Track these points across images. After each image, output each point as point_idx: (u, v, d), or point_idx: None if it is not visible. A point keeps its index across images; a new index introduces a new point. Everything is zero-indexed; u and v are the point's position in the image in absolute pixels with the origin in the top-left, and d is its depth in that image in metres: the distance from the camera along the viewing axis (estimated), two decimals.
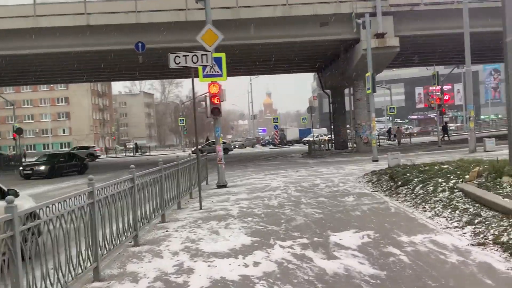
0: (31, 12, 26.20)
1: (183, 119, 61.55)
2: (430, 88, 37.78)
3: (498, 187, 8.29)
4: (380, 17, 27.00)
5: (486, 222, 6.84)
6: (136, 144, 67.04)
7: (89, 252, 5.67)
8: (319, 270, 5.50)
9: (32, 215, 4.67)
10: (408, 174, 12.04)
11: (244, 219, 9.05)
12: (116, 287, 5.46)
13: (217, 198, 12.62)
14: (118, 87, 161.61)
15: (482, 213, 7.30)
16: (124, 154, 63.42)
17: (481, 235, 6.42)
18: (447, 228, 7.16)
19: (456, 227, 7.12)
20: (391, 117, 69.36)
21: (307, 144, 41.88)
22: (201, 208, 10.76)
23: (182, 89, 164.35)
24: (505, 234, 6.14)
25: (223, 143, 20.79)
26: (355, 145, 33.52)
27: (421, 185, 10.43)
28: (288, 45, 30.41)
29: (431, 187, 9.88)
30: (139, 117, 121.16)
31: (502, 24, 10.35)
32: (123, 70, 38.60)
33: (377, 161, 21.35)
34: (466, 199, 8.34)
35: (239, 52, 29.79)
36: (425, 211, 8.58)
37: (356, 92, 31.27)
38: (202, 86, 21.76)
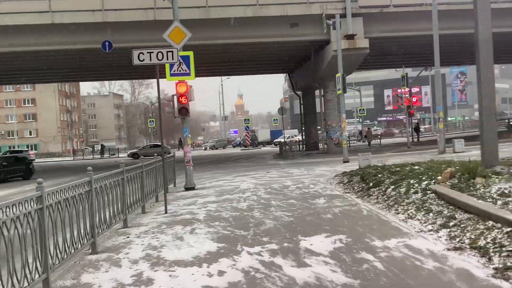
0: None
1: (152, 120, 60.68)
2: (399, 90, 38.05)
3: (472, 188, 8.09)
4: (350, 18, 26.95)
5: (462, 225, 6.58)
6: (102, 145, 65.30)
7: (38, 263, 5.17)
8: (288, 280, 5.12)
9: None
10: (379, 175, 11.81)
11: (211, 224, 8.63)
12: None
13: (184, 201, 12.15)
14: (87, 88, 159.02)
15: (456, 216, 7.05)
16: (92, 157, 62.01)
17: (457, 239, 6.15)
18: (421, 231, 6.87)
19: (430, 230, 6.84)
20: (361, 119, 69.85)
21: (278, 145, 41.63)
22: (166, 212, 10.29)
23: (152, 90, 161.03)
24: (482, 238, 5.88)
25: (158, 146, 20.17)
26: (326, 146, 33.41)
27: (393, 187, 10.17)
28: (259, 46, 30.12)
29: (403, 189, 9.63)
30: (108, 118, 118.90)
31: (474, 24, 10.23)
32: (91, 70, 37.70)
33: (347, 162, 21.19)
34: (439, 201, 8.10)
35: (209, 52, 29.36)
36: (398, 213, 8.31)
37: (327, 93, 31.16)
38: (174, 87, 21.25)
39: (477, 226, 6.33)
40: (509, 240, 5.55)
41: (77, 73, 39.41)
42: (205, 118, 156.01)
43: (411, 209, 8.22)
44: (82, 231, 6.59)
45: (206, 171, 22.46)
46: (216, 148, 70.40)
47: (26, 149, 64.95)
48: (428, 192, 8.79)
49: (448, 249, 5.81)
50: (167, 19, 19.41)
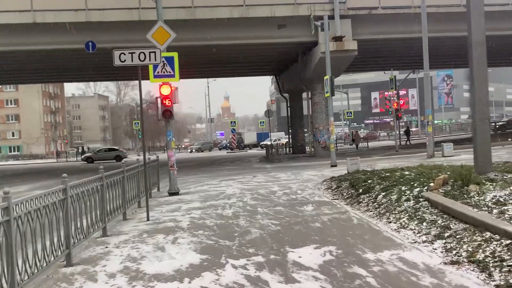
0: None
1: (137, 122, 59.94)
2: (386, 93, 37.93)
3: (466, 196, 7.80)
4: (338, 20, 26.66)
5: (458, 236, 6.27)
6: (82, 148, 64.14)
7: (4, 280, 4.74)
8: None
9: None
10: (369, 181, 11.49)
11: (194, 232, 8.23)
12: None
13: (167, 207, 11.73)
14: (71, 89, 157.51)
15: (451, 226, 6.74)
16: (75, 159, 61.01)
17: (454, 252, 5.83)
18: (415, 242, 6.55)
19: (425, 241, 6.51)
20: (348, 122, 69.78)
21: (264, 148, 41.27)
22: (148, 219, 9.85)
23: (138, 91, 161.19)
24: (480, 250, 5.57)
25: (114, 150, 19.56)
26: (313, 149, 33.12)
27: (383, 193, 9.85)
28: (246, 47, 29.72)
29: (395, 196, 9.31)
30: (93, 120, 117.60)
31: (467, 27, 9.97)
32: (76, 71, 36.99)
33: (335, 166, 20.89)
34: (432, 209, 7.80)
35: (196, 54, 28.91)
36: (390, 222, 7.98)
37: (314, 96, 30.85)
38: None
39: (474, 237, 6.02)
40: (509, 253, 5.25)
41: (61, 73, 38.65)
42: (191, 120, 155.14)
43: (403, 217, 7.90)
44: (55, 242, 6.15)
45: (191, 175, 22.00)
46: (202, 151, 69.82)
47: None
48: (421, 199, 8.48)
49: (445, 263, 5.48)
50: (152, 20, 18.97)
